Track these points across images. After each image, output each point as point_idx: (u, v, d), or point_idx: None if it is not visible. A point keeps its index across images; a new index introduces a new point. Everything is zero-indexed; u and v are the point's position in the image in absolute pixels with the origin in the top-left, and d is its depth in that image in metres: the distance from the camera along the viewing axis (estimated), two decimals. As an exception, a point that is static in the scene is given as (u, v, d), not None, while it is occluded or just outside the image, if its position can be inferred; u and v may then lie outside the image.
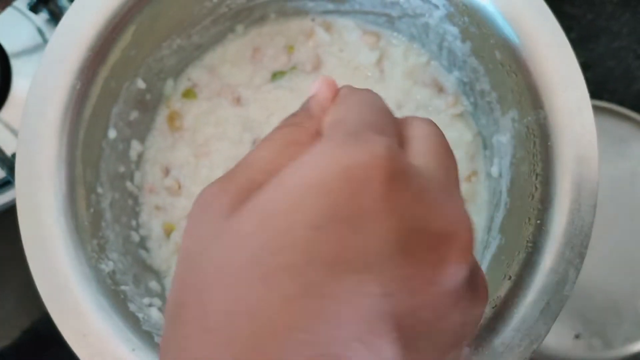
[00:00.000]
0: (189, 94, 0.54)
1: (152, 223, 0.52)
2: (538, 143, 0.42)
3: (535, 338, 0.39)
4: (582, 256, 0.40)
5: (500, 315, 0.40)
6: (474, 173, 0.52)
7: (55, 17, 0.64)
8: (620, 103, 0.64)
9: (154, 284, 0.48)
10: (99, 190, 0.46)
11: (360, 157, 0.20)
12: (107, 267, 0.43)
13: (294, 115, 0.26)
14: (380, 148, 0.20)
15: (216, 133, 0.53)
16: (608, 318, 0.62)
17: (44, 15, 0.65)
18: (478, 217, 0.52)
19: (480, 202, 0.52)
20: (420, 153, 0.23)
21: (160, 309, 0.46)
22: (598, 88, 0.64)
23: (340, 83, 0.28)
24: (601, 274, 0.63)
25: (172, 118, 0.54)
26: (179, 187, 0.53)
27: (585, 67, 0.64)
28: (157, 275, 0.51)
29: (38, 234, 0.41)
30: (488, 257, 0.48)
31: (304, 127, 0.24)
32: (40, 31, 0.66)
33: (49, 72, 0.42)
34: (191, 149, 0.53)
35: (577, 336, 0.61)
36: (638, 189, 0.63)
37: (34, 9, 0.63)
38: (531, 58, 0.42)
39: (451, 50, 0.50)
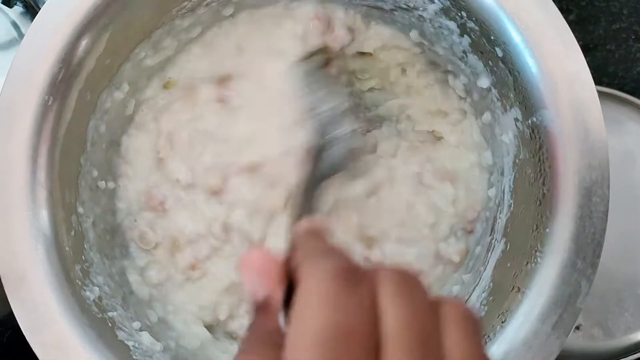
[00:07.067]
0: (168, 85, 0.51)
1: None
2: (544, 146, 0.40)
3: (549, 354, 0.37)
4: (594, 266, 0.38)
5: (510, 330, 0.39)
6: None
7: (30, 9, 0.61)
8: (620, 87, 0.61)
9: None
10: (80, 210, 0.43)
11: None
12: (92, 294, 0.41)
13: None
14: None
15: None
16: (609, 307, 0.61)
17: (18, 9, 0.62)
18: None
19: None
20: None
21: (151, 333, 0.43)
22: (597, 72, 0.61)
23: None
24: (601, 262, 0.61)
25: None
26: None
27: (585, 49, 0.61)
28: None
29: (16, 266, 0.38)
30: (492, 260, 0.46)
31: None
32: (15, 25, 0.63)
33: (15, 89, 0.39)
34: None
35: (577, 327, 0.60)
36: (638, 175, 0.62)
37: (8, 2, 0.60)
38: (534, 55, 0.40)
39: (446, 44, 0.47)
